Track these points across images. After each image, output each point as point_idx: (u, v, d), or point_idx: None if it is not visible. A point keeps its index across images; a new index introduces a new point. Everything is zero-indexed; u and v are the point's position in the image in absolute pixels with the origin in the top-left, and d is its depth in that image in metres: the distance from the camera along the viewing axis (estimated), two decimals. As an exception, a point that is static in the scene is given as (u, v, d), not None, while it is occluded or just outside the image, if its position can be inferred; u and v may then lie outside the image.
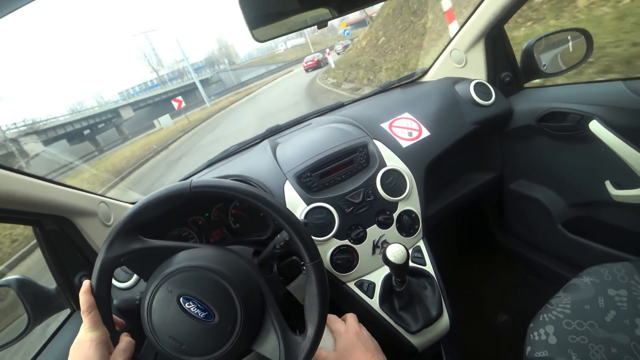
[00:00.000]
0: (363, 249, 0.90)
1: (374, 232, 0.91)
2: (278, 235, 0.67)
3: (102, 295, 0.57)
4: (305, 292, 0.59)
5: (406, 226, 0.92)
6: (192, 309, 0.52)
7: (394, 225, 0.92)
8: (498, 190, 1.34)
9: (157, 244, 0.60)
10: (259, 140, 1.27)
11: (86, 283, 0.58)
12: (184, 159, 10.64)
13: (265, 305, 0.58)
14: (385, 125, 1.06)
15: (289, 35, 0.75)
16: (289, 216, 0.58)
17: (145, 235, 0.60)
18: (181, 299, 0.53)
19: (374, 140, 0.99)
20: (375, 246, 0.90)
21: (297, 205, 0.89)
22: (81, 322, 0.90)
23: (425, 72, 1.39)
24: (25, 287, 0.87)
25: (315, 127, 1.18)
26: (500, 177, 1.29)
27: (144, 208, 0.59)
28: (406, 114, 1.09)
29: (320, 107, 1.41)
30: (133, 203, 1.14)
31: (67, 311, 0.93)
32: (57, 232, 0.87)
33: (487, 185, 1.26)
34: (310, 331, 0.55)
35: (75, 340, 0.56)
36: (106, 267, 0.57)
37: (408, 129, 1.05)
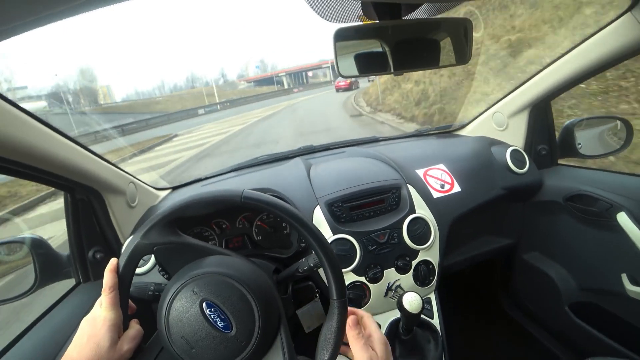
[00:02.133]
0: (376, 289, 0.89)
1: (390, 275, 0.91)
2: (303, 259, 0.68)
3: (125, 278, 0.58)
4: (311, 319, 0.59)
5: (422, 275, 0.92)
6: (212, 315, 0.52)
7: (410, 272, 0.92)
8: (511, 258, 1.33)
9: (193, 242, 0.61)
10: (291, 155, 1.29)
11: (113, 261, 0.58)
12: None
13: (279, 326, 0.58)
14: (420, 172, 1.07)
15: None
16: (329, 252, 0.59)
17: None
18: (204, 303, 0.52)
19: (408, 185, 1.01)
20: (389, 289, 0.90)
21: (323, 232, 0.90)
22: (85, 294, 0.91)
23: (463, 126, 1.41)
24: (39, 248, 0.88)
25: (350, 157, 1.20)
26: (516, 245, 1.29)
27: (192, 205, 0.59)
28: (441, 165, 1.10)
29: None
30: (159, 189, 1.16)
31: (72, 281, 0.94)
32: (85, 203, 0.89)
33: (502, 250, 1.26)
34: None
35: (90, 316, 0.56)
36: (138, 252, 0.58)
37: (441, 180, 1.06)
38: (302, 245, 0.87)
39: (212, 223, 0.93)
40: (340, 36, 0.59)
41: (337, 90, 26.69)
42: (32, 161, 0.68)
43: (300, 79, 78.35)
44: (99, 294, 0.81)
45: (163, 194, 1.17)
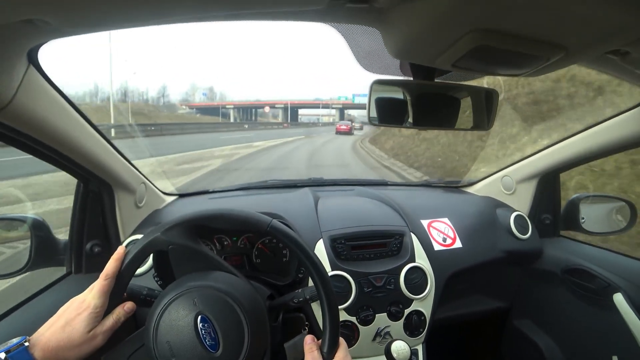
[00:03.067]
0: (365, 332, 0.89)
1: (381, 320, 0.91)
2: (300, 290, 0.68)
3: (129, 270, 0.58)
4: (297, 352, 0.59)
5: (413, 326, 0.92)
6: (203, 331, 0.52)
7: (402, 321, 0.92)
8: (501, 321, 1.32)
9: (207, 252, 0.62)
10: (300, 185, 1.31)
11: (121, 249, 0.59)
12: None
13: (264, 355, 0.58)
14: (424, 223, 1.09)
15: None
16: (332, 303, 0.60)
17: None
18: (200, 316, 0.52)
19: (411, 233, 1.02)
20: (378, 334, 0.89)
21: None
22: (73, 285, 0.91)
23: (471, 184, 1.44)
24: (39, 230, 0.88)
25: (358, 197, 1.22)
26: (508, 310, 1.28)
27: (222, 218, 0.61)
28: (446, 219, 1.12)
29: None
30: (166, 193, 1.17)
31: (63, 270, 0.93)
32: (96, 194, 0.90)
33: (493, 313, 1.25)
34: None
35: (78, 297, 0.57)
36: (153, 245, 0.59)
37: (444, 234, 1.07)
38: (300, 275, 0.88)
39: (214, 237, 0.93)
40: (377, 84, 0.62)
41: (337, 133, 28.51)
42: (59, 146, 0.70)
43: (249, 114, 76.02)
44: (88, 287, 0.81)
45: (169, 199, 1.18)
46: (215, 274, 0.59)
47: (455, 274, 1.01)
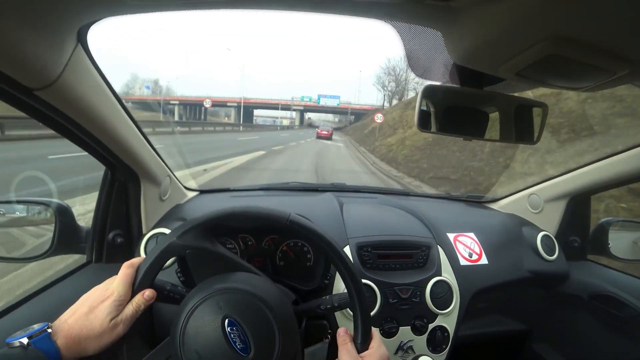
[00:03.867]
0: (388, 345, 0.86)
1: (405, 333, 0.88)
2: (327, 297, 0.66)
3: (150, 273, 0.57)
4: None
5: (436, 341, 0.89)
6: (232, 335, 0.50)
7: (425, 335, 0.89)
8: (519, 344, 1.28)
9: (225, 252, 0.60)
10: (321, 189, 1.30)
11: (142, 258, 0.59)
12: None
13: (296, 356, 0.56)
14: (450, 236, 1.06)
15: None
16: (362, 294, 0.58)
17: None
18: (227, 320, 0.51)
19: (438, 246, 0.99)
20: (400, 348, 0.87)
21: None
22: (93, 275, 0.90)
23: (494, 200, 1.41)
24: (63, 215, 0.88)
25: (382, 205, 1.20)
26: (528, 332, 1.24)
27: (235, 216, 0.59)
28: (472, 234, 1.09)
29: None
30: (187, 188, 1.16)
31: (83, 259, 0.92)
32: (121, 184, 0.90)
33: (512, 335, 1.21)
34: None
35: (101, 286, 0.57)
36: (170, 251, 0.57)
37: (470, 249, 1.05)
38: (326, 282, 0.85)
39: (238, 237, 0.92)
40: (428, 91, 0.61)
41: (319, 137, 28.40)
42: (95, 130, 0.69)
43: (196, 113, 63.54)
44: (109, 277, 0.80)
45: (191, 194, 1.18)
46: (236, 275, 0.57)
47: (480, 291, 0.98)
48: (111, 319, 0.52)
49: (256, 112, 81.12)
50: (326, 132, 29.10)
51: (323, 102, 64.04)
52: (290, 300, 0.67)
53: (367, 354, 0.57)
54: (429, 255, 0.97)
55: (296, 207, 1.08)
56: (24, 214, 0.90)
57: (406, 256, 0.95)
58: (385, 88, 44.22)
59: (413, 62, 0.63)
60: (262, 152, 12.71)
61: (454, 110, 0.64)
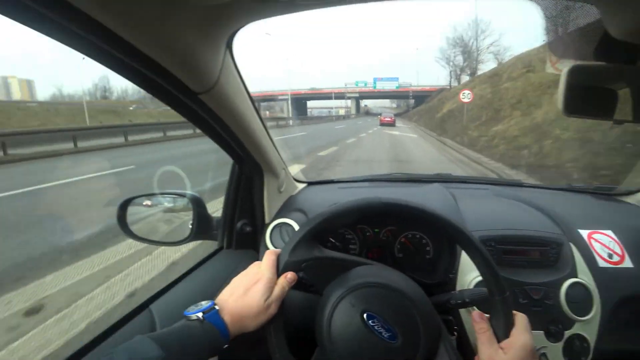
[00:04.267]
0: None
1: (538, 338, 0.81)
2: (458, 291, 0.65)
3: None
4: None
5: (574, 352, 0.80)
6: (376, 327, 0.52)
7: (561, 343, 0.81)
8: None
9: (336, 255, 0.62)
10: (427, 179, 1.27)
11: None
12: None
13: (441, 335, 0.56)
14: (584, 233, 0.95)
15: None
16: (503, 287, 0.56)
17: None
18: (365, 315, 0.53)
19: (570, 243, 0.90)
20: None
21: (469, 270, 0.85)
22: (225, 260, 1.00)
23: (630, 192, 1.21)
24: (197, 205, 0.99)
25: (500, 197, 1.13)
26: None
27: (335, 216, 0.61)
28: (609, 232, 0.95)
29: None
30: (298, 180, 1.24)
31: (214, 245, 1.03)
32: (247, 177, 0.98)
33: None
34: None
35: (251, 270, 0.62)
36: (288, 269, 0.60)
37: (609, 249, 0.92)
38: (451, 275, 0.84)
39: (357, 228, 0.94)
40: (574, 72, 0.55)
41: (382, 124, 28.85)
42: (236, 128, 0.75)
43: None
44: (239, 262, 0.88)
45: (300, 186, 1.24)
46: (355, 271, 0.59)
47: (626, 299, 0.86)
48: (265, 300, 0.57)
49: (310, 103, 76.90)
50: (389, 119, 30.44)
51: (380, 85, 59.44)
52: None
53: (508, 343, 0.54)
54: (561, 253, 0.88)
55: (406, 197, 1.07)
56: (169, 205, 1.05)
57: (534, 253, 0.88)
58: (451, 63, 40.01)
59: (553, 42, 0.59)
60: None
61: (604, 92, 0.57)
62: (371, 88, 60.46)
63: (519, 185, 1.29)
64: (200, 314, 0.53)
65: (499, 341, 0.55)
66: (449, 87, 38.45)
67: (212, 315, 0.54)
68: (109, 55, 0.46)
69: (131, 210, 0.97)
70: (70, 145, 11.09)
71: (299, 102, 66.05)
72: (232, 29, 0.56)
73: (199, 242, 1.03)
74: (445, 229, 0.59)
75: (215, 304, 0.56)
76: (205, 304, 0.56)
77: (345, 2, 0.50)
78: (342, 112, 70.52)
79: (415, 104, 53.95)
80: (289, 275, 0.60)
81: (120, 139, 13.01)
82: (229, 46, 0.61)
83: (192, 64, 0.53)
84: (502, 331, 0.55)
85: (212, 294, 0.61)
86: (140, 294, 2.54)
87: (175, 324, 0.53)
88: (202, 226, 0.99)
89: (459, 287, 0.83)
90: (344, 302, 0.54)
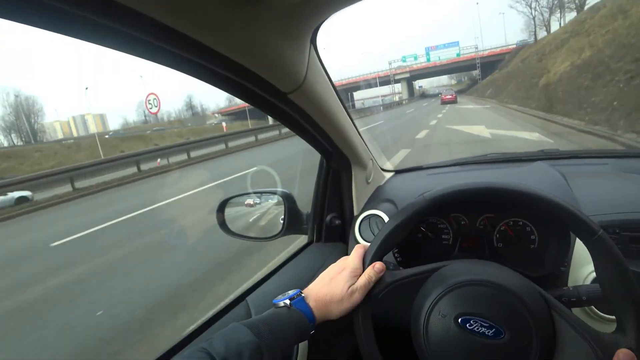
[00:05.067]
0: None
1: None
2: (571, 287, 0.58)
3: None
4: None
5: None
6: (476, 328, 0.49)
7: None
8: None
9: (408, 273, 0.59)
10: (527, 158, 1.12)
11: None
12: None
13: (550, 309, 0.50)
14: None
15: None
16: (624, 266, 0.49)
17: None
18: (460, 320, 0.49)
19: None
20: None
21: (585, 262, 0.73)
22: (316, 253, 1.00)
23: None
24: (288, 201, 1.00)
25: (622, 173, 0.95)
26: None
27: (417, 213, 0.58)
28: None
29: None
30: (385, 170, 1.19)
31: (305, 239, 1.04)
32: (335, 171, 0.97)
33: None
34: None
35: (339, 262, 0.64)
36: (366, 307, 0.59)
37: None
38: (563, 268, 0.73)
39: (450, 216, 0.87)
40: None
41: (443, 103, 27.87)
42: (324, 123, 0.74)
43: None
44: (329, 255, 0.88)
45: (388, 175, 1.19)
46: (435, 278, 0.56)
47: None
48: (349, 287, 0.58)
49: (355, 94, 66.38)
50: (450, 96, 29.19)
51: (435, 57, 43.97)
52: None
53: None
54: None
55: (504, 180, 0.96)
56: (263, 202, 1.09)
57: None
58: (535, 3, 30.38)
59: None
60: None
61: None
62: (424, 63, 46.13)
63: None
64: (287, 301, 0.56)
65: None
66: (532, 40, 30.75)
67: (299, 301, 0.57)
68: (200, 67, 0.47)
69: (228, 210, 1.02)
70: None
71: (343, 95, 60.69)
72: (315, 24, 0.54)
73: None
74: (553, 213, 0.53)
75: (301, 292, 0.59)
76: (291, 292, 0.59)
77: None
78: (396, 98, 57.84)
79: (482, 75, 40.68)
80: (377, 265, 0.60)
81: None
82: (313, 42, 0.60)
83: (280, 65, 0.53)
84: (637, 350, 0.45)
85: (303, 286, 0.63)
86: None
87: (265, 311, 0.56)
88: (293, 221, 1.00)
89: (571, 283, 0.73)
90: (434, 315, 0.52)
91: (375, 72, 52.71)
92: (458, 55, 43.18)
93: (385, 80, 52.13)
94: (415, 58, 46.83)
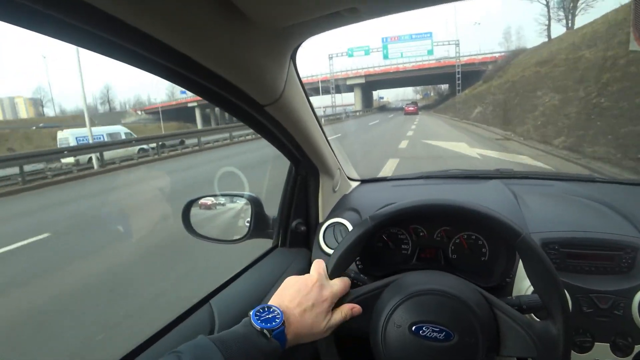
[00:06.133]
0: None
1: (602, 350, 0.76)
2: (514, 297, 0.66)
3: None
4: None
5: None
6: (428, 333, 0.54)
7: (630, 358, 0.75)
8: None
9: (365, 289, 0.63)
10: (484, 176, 1.21)
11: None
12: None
13: (492, 308, 0.57)
14: None
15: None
16: (567, 311, 0.54)
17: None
18: (413, 327, 0.54)
19: None
20: None
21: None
22: (280, 257, 1.01)
23: None
24: (255, 205, 1.01)
25: (567, 195, 1.06)
26: None
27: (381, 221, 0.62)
28: None
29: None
30: (351, 179, 1.23)
31: (270, 243, 1.06)
32: (303, 178, 0.99)
33: None
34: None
35: (312, 277, 0.61)
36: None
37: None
38: (508, 280, 0.80)
39: (410, 227, 0.93)
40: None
41: (406, 114, 29.04)
42: (296, 133, 0.76)
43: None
44: (293, 260, 0.90)
45: (354, 184, 1.24)
46: (384, 296, 0.60)
47: None
48: (326, 323, 0.57)
49: (382, 93, 55.81)
50: (412, 108, 30.44)
51: (395, 52, 29.71)
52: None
53: None
54: (636, 259, 0.80)
55: (462, 196, 1.03)
56: (229, 205, 1.09)
57: (604, 258, 0.81)
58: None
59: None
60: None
61: None
62: (384, 67, 33.85)
63: (591, 180, 1.20)
64: (267, 332, 0.52)
65: None
66: (546, 38, 22.50)
67: (279, 333, 0.53)
68: (182, 76, 0.49)
69: (194, 210, 1.01)
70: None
71: (367, 91, 46.81)
72: (296, 44, 0.58)
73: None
74: (498, 230, 0.59)
75: (283, 322, 0.54)
76: (274, 315, 0.54)
77: (404, 8, 0.49)
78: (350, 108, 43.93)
79: (462, 86, 28.76)
80: (356, 308, 0.61)
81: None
82: (293, 58, 0.63)
83: (260, 80, 0.56)
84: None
85: (267, 290, 0.65)
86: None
87: (239, 325, 0.53)
88: (259, 225, 1.02)
89: (515, 293, 0.80)
90: (390, 326, 0.56)
91: (313, 77, 37.88)
92: (430, 52, 29.84)
93: (326, 87, 37.41)
94: (367, 52, 31.84)
